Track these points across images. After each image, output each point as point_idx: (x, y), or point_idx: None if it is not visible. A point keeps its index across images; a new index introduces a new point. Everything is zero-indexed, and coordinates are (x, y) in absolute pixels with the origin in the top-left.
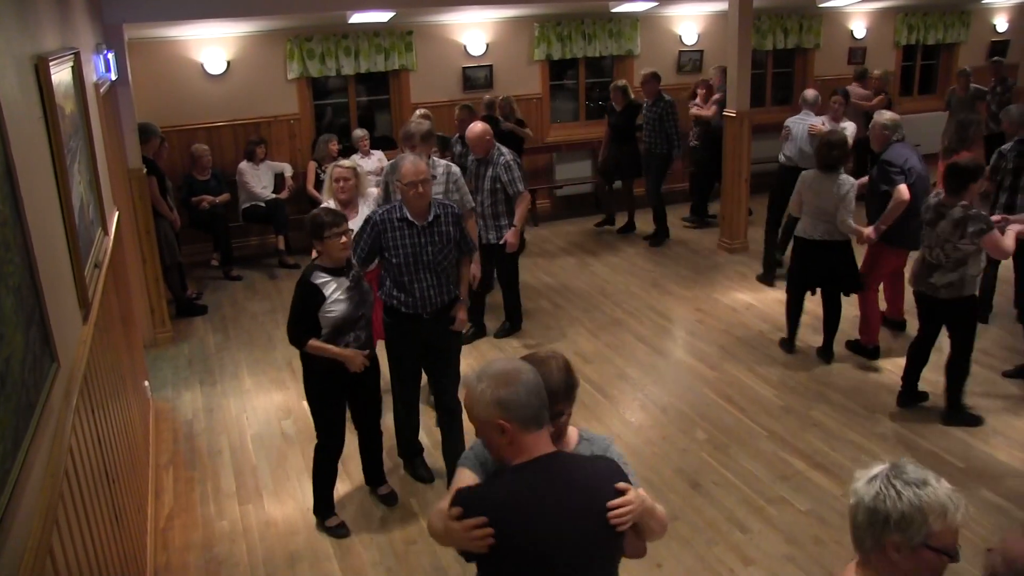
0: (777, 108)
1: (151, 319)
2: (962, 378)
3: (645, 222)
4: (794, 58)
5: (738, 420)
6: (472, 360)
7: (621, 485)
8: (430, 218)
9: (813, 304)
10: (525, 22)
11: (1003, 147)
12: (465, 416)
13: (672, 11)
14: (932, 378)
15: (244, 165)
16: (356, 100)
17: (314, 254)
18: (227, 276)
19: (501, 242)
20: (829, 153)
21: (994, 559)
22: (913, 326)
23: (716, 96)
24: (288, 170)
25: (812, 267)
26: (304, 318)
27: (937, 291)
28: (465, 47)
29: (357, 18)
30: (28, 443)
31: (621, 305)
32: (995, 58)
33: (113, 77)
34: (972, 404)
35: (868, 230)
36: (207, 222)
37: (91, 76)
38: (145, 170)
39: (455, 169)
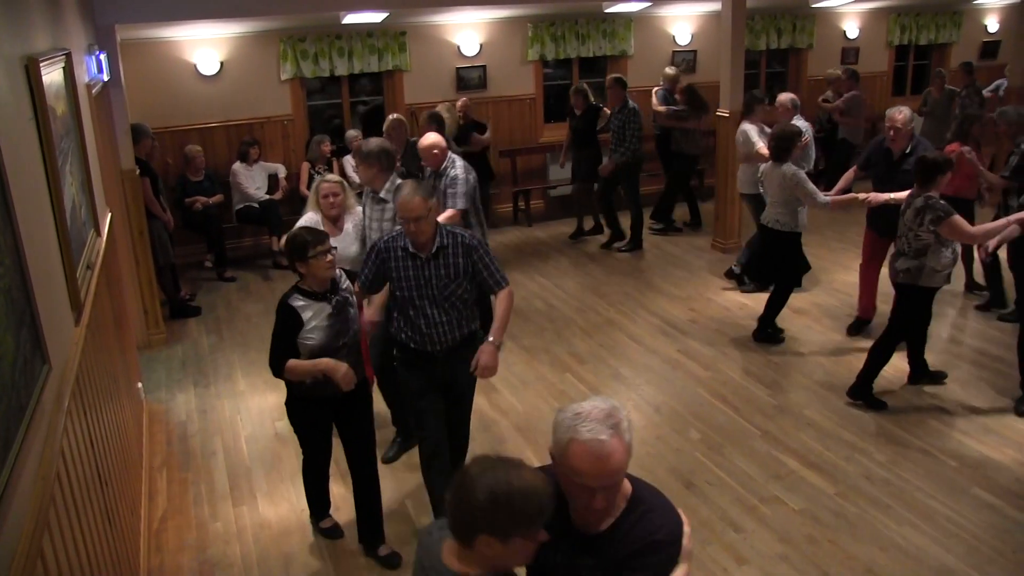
0: (771, 108)
1: (144, 320)
2: (878, 364)
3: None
4: (788, 58)
5: (732, 419)
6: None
7: None
8: (433, 249)
9: (808, 302)
10: (519, 22)
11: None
12: None
13: (666, 11)
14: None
15: (238, 166)
16: (351, 101)
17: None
18: (221, 277)
19: None
20: (777, 145)
21: None
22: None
23: (677, 99)
24: (282, 171)
25: (764, 252)
26: (282, 343)
27: (897, 275)
28: (459, 47)
29: (350, 19)
30: (19, 445)
31: (615, 305)
32: (965, 62)
33: (105, 78)
34: (967, 400)
35: (871, 195)
36: (201, 223)
37: (83, 77)
38: (138, 171)
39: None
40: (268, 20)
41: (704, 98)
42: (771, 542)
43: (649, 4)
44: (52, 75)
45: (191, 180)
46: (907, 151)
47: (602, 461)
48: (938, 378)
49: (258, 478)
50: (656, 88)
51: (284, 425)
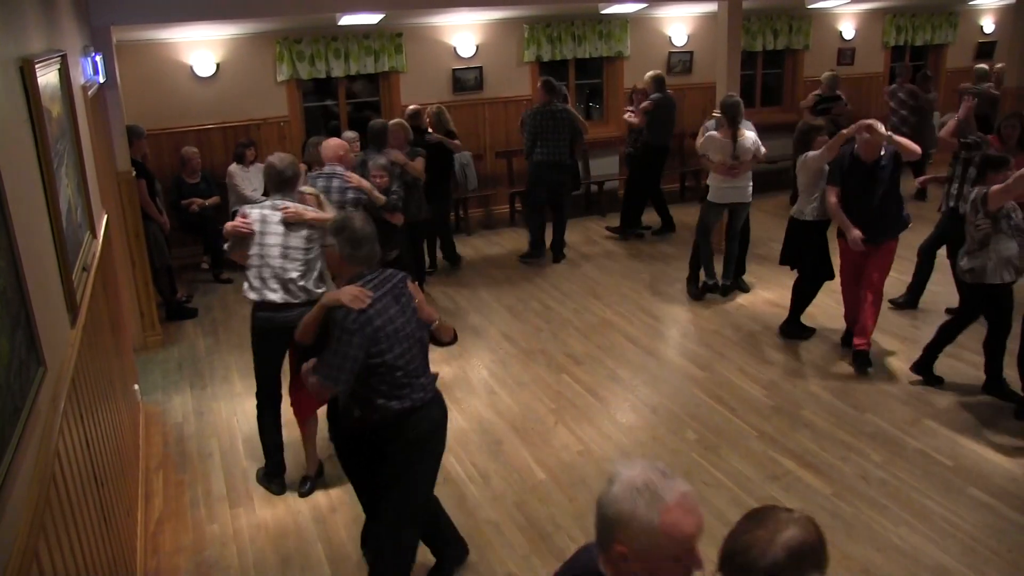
0: (767, 109)
1: (140, 322)
2: (942, 342)
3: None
4: (784, 59)
5: (728, 420)
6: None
7: None
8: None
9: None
10: (515, 24)
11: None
12: None
13: (662, 12)
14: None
15: (234, 168)
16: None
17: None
18: (217, 279)
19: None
20: (798, 139)
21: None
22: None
23: (645, 104)
24: None
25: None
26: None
27: (963, 275)
28: (455, 49)
29: (347, 20)
30: (14, 448)
31: (612, 306)
32: (911, 65)
33: (101, 79)
34: (964, 400)
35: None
36: (197, 225)
37: (79, 79)
38: (134, 173)
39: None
40: (264, 22)
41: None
42: None
43: (645, 5)
44: (48, 77)
45: (187, 182)
46: (881, 159)
47: (697, 506)
48: (935, 382)
49: (255, 480)
50: (630, 90)
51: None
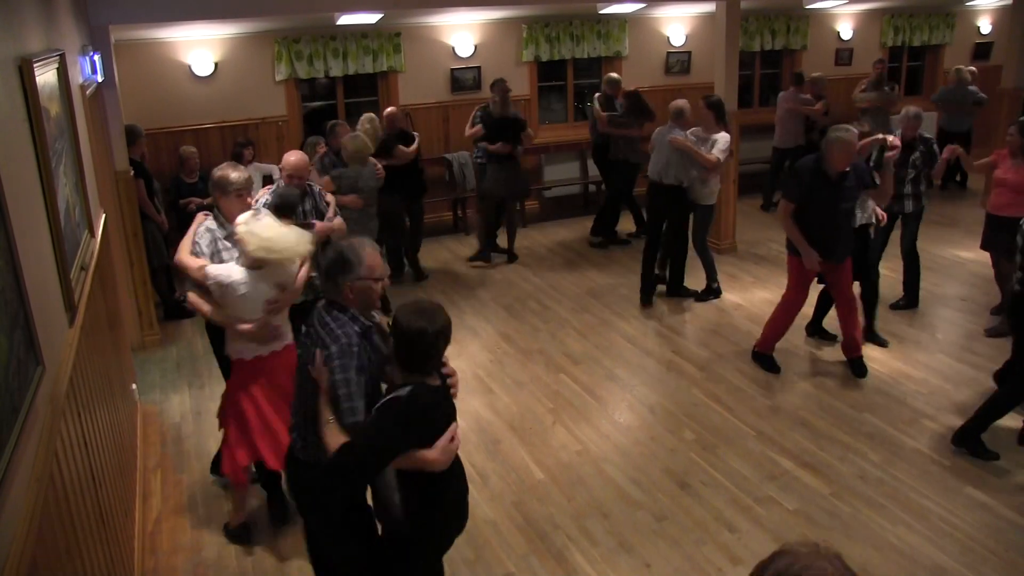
0: (765, 109)
1: (139, 322)
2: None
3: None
4: (781, 59)
5: (726, 420)
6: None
7: None
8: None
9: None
10: (513, 23)
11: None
12: None
13: (660, 12)
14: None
15: None
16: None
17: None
18: None
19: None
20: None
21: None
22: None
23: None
24: (276, 172)
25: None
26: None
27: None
28: (453, 48)
29: (345, 19)
30: (12, 447)
31: (610, 306)
32: (810, 73)
33: (99, 79)
34: (962, 401)
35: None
36: None
37: (77, 78)
38: (132, 172)
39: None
40: (263, 21)
41: (648, 104)
42: (765, 542)
43: (643, 5)
44: (46, 76)
45: (185, 182)
46: (846, 173)
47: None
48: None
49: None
50: (597, 94)
51: None
